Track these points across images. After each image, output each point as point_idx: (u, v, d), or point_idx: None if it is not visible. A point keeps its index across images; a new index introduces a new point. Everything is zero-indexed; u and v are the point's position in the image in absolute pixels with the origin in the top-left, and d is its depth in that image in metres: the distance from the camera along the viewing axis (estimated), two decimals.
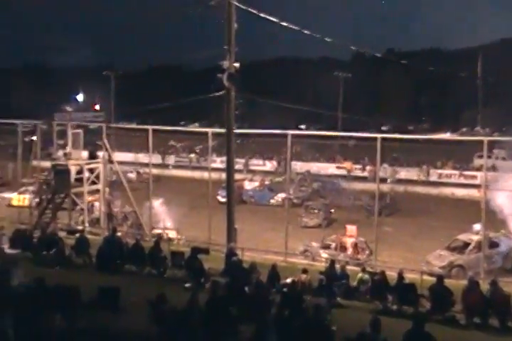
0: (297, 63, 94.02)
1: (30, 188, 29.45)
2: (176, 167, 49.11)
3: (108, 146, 26.02)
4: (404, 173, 41.52)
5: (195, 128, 65.36)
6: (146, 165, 32.32)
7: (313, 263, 20.59)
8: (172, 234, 23.26)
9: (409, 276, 16.09)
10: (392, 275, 15.74)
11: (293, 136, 22.29)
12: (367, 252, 21.48)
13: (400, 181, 39.45)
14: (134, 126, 53.70)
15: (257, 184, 36.72)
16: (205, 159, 45.75)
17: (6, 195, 33.10)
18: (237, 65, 20.12)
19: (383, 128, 70.80)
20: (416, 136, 45.42)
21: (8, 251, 18.91)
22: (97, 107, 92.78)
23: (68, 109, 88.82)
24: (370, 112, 67.99)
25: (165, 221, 24.69)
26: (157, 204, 25.47)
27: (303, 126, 76.37)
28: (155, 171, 30.45)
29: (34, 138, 32.47)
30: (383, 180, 31.02)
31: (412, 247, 23.39)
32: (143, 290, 14.06)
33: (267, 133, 29.27)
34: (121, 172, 26.92)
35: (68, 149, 25.74)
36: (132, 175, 39.12)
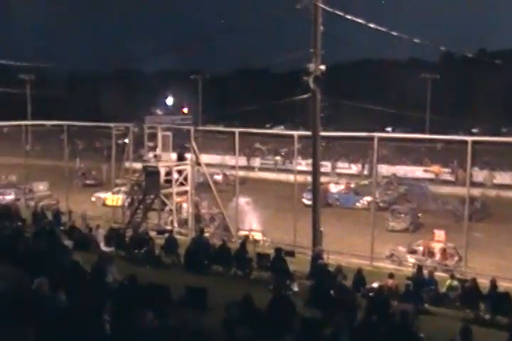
0: (383, 65, 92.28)
1: (123, 188, 30.57)
2: (261, 169, 49.44)
3: (196, 149, 26.58)
4: (497, 177, 39.81)
5: (280, 130, 65.53)
6: (233, 167, 32.77)
7: (400, 268, 20.15)
8: (258, 236, 23.42)
9: (503, 285, 15.38)
10: (483, 283, 15.12)
11: (379, 138, 21.90)
12: (456, 258, 20.74)
13: (493, 185, 37.85)
14: (220, 128, 54.57)
15: (342, 187, 36.34)
16: (291, 161, 45.84)
17: (101, 194, 34.55)
18: (323, 67, 20.02)
19: (474, 130, 68.14)
20: (509, 138, 43.33)
21: (103, 248, 19.75)
22: (185, 110, 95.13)
23: (158, 112, 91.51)
24: (460, 114, 65.65)
25: (251, 223, 24.94)
26: (243, 204, 25.77)
27: (389, 129, 74.84)
28: (241, 173, 30.78)
29: (126, 140, 33.74)
30: (475, 184, 29.84)
31: (505, 254, 22.32)
32: (229, 290, 14.22)
33: (353, 136, 28.86)
34: (208, 174, 27.45)
35: (158, 151, 26.48)
36: (219, 177, 39.77)
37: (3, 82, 69.48)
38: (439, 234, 21.65)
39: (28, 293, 9.23)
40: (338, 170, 45.66)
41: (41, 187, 33.05)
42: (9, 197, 31.66)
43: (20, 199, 31.54)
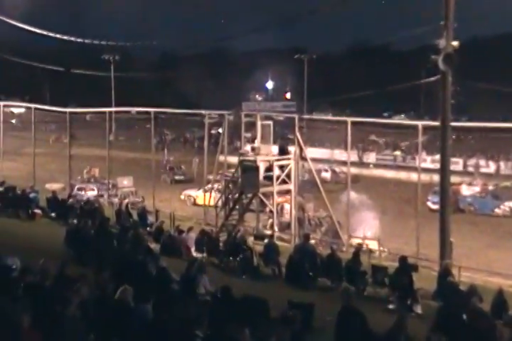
0: None
1: (216, 186, 31.11)
2: (377, 166, 48.88)
3: (301, 140, 26.60)
4: None
5: (401, 120, 64.36)
6: (344, 163, 32.52)
7: None
8: (373, 245, 23.14)
9: None
10: None
11: None
12: None
13: None
14: (329, 117, 54.40)
15: (477, 189, 35.27)
16: (413, 157, 44.88)
17: (192, 192, 35.43)
18: (455, 43, 19.39)
19: None
20: None
21: (194, 254, 20.22)
22: (288, 96, 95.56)
23: (257, 97, 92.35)
24: None
25: (365, 228, 24.65)
26: (355, 205, 25.54)
27: None
28: (353, 170, 30.56)
29: (220, 130, 34.32)
30: None
31: None
32: (339, 308, 14.10)
33: (492, 127, 27.96)
34: (314, 170, 27.40)
35: (257, 143, 26.73)
36: (327, 175, 39.71)
37: (86, 64, 72.75)
38: None
39: (111, 301, 9.60)
40: (472, 169, 44.29)
41: (126, 183, 34.36)
42: (91, 193, 33.22)
43: (103, 196, 33.00)
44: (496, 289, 15.61)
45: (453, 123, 20.71)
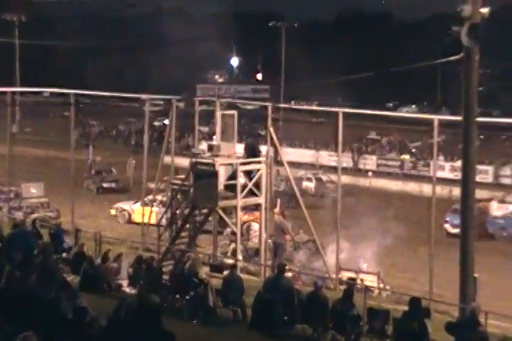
0: None
1: (160, 197, 31.05)
2: (378, 174, 49.21)
3: (275, 138, 26.71)
4: None
5: (409, 113, 65.02)
6: (333, 169, 32.69)
7: None
8: (370, 281, 23.35)
9: None
10: None
11: None
12: None
13: None
14: (314, 107, 54.81)
15: None
16: (427, 163, 45.30)
17: (126, 205, 35.40)
18: (485, 10, 19.64)
19: None
20: None
21: (126, 289, 20.17)
22: (259, 77, 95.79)
23: (217, 78, 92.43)
24: None
25: (360, 259, 24.84)
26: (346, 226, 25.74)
27: None
28: (345, 179, 30.71)
29: (167, 121, 34.26)
30: None
31: None
32: None
33: None
34: (293, 178, 27.49)
35: (216, 140, 26.79)
36: (310, 185, 39.77)
37: None
38: None
39: None
40: (506, 180, 44.75)
41: (34, 191, 34.04)
42: None
43: (1, 209, 32.73)
44: None
45: (480, 119, 20.93)
